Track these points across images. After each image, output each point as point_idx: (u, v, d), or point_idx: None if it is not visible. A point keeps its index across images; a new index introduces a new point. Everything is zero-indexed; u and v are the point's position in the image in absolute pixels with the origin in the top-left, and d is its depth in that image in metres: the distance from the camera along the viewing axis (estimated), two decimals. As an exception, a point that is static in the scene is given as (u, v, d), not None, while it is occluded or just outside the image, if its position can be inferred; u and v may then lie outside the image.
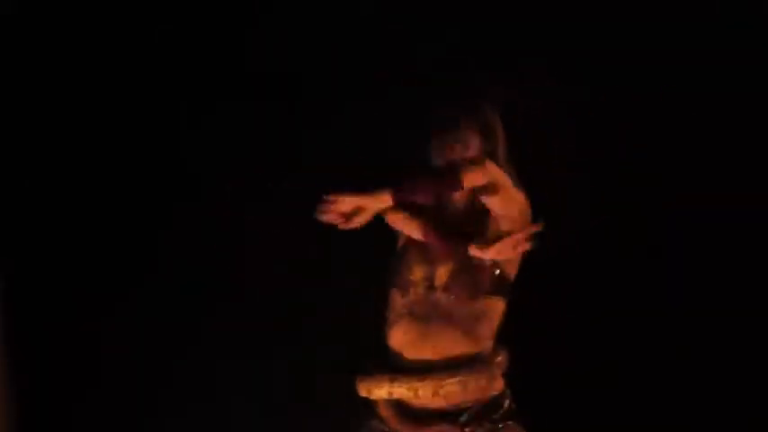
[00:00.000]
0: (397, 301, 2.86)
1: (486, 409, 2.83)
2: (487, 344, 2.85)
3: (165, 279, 4.05)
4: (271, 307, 3.99)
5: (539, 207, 2.88)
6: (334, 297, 3.82)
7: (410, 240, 2.90)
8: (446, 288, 2.81)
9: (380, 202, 2.70)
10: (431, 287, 2.82)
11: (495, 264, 2.81)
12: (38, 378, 4.05)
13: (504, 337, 2.94)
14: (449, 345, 2.80)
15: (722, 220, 3.80)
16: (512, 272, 2.88)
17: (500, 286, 2.84)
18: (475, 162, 2.71)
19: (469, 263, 2.80)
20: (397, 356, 2.84)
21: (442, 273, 2.83)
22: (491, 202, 2.77)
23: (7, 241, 4.04)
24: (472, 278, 2.81)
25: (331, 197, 2.69)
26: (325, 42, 3.95)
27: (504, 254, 2.75)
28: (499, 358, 2.86)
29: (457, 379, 2.77)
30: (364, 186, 2.73)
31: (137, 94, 4.07)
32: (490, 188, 2.72)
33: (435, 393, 2.78)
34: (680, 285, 3.82)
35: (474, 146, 2.85)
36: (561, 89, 3.73)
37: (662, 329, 3.82)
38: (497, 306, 2.85)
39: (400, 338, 2.83)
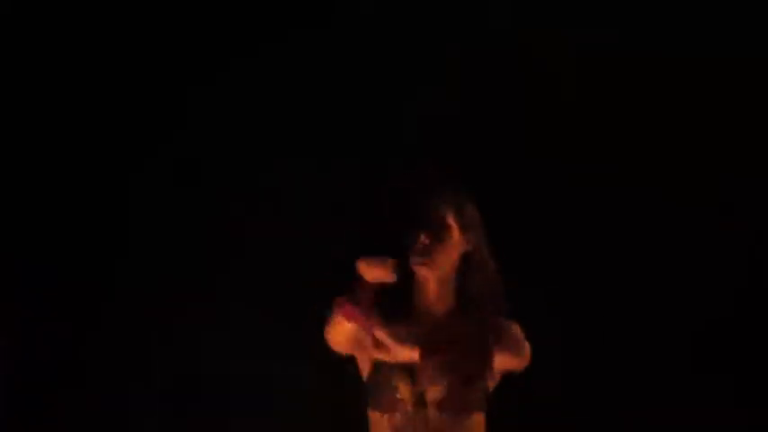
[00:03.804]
0: (380, 422, 2.83)
1: None
2: None
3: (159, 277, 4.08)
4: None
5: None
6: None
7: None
8: (439, 406, 2.80)
9: (408, 357, 2.75)
10: (420, 404, 2.81)
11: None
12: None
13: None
14: None
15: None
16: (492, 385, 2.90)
17: (485, 402, 2.85)
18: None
19: (462, 380, 2.81)
20: None
21: (436, 390, 2.81)
22: None
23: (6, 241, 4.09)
24: (465, 396, 2.80)
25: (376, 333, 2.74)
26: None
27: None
28: None
29: None
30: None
31: (120, 95, 4.09)
32: None
33: None
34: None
35: (449, 224, 2.85)
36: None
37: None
38: (481, 420, 2.85)
39: None
